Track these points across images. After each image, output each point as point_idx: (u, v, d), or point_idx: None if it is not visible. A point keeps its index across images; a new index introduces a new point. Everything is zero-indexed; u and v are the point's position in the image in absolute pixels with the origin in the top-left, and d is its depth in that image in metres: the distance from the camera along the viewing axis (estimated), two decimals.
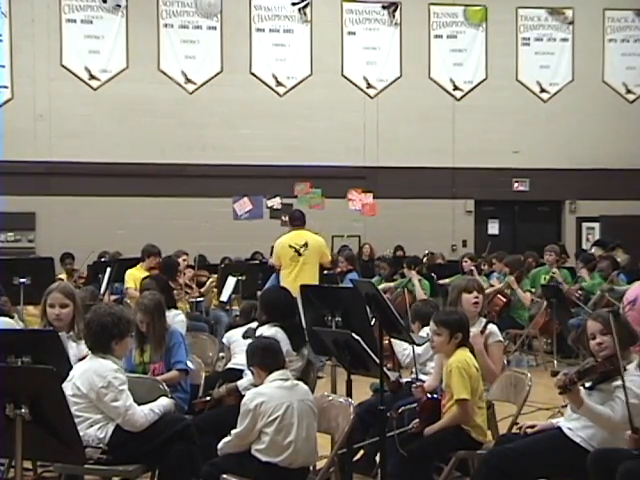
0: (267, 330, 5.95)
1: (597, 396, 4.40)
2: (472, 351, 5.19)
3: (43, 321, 5.48)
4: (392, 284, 11.34)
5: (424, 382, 5.49)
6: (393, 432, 4.87)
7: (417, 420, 5.01)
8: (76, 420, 4.50)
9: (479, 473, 4.62)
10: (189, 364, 5.86)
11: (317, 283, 9.44)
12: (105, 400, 4.65)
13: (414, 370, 5.82)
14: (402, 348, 6.03)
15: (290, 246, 9.74)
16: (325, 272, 11.21)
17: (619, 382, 4.32)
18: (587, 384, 4.36)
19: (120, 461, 4.65)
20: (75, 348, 5.31)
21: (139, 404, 4.79)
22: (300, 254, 9.71)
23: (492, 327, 5.63)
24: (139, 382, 5.03)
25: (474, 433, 4.93)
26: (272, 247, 10.31)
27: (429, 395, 5.11)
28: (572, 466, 4.27)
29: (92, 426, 4.67)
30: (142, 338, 5.81)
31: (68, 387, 4.64)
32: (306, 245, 9.73)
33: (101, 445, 4.64)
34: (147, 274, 8.77)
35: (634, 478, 3.93)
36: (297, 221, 10.02)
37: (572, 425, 4.49)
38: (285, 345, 5.93)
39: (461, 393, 4.86)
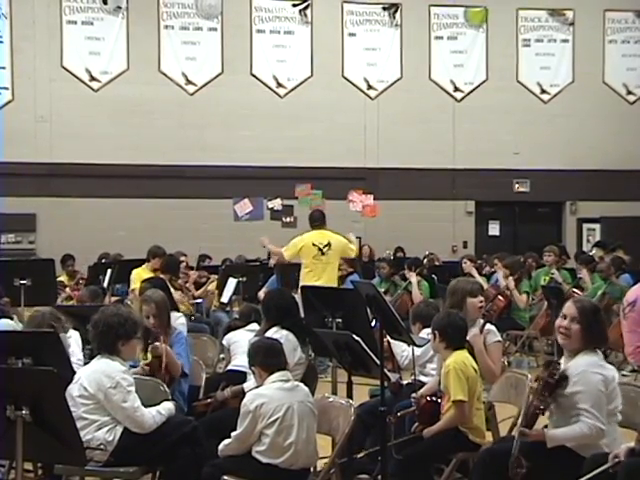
0: (276, 334, 5.90)
1: (558, 411, 4.40)
2: (472, 351, 5.20)
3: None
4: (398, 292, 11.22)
5: (424, 384, 5.49)
6: (391, 442, 4.85)
7: (417, 424, 5.01)
8: (84, 422, 4.53)
9: (475, 472, 4.61)
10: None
11: (336, 284, 9.42)
12: (114, 400, 4.63)
13: (415, 372, 5.82)
14: (401, 350, 6.03)
15: (314, 244, 9.70)
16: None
17: (570, 389, 4.30)
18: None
19: (129, 463, 4.62)
20: None
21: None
22: (323, 253, 9.69)
23: (490, 327, 5.62)
24: (141, 384, 5.02)
25: (472, 435, 4.92)
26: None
27: (428, 397, 5.10)
28: (569, 467, 4.26)
29: (100, 429, 4.64)
30: (147, 336, 5.77)
31: (75, 389, 4.64)
32: (329, 245, 9.70)
33: (108, 448, 4.60)
34: (152, 275, 8.73)
35: (637, 474, 3.93)
36: (317, 221, 9.97)
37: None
38: (297, 348, 5.91)
39: (458, 394, 4.85)
